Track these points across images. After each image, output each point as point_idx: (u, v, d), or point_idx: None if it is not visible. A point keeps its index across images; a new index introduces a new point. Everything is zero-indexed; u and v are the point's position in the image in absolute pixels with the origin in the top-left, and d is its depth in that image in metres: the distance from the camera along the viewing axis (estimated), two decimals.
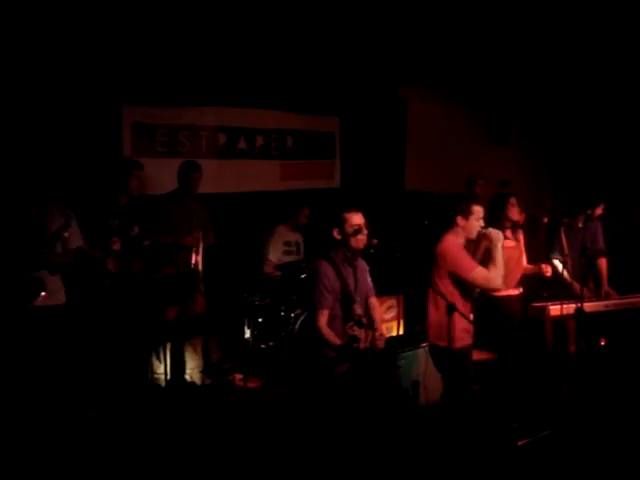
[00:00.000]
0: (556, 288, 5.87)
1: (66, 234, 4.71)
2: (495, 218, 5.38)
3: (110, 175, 5.45)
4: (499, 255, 4.48)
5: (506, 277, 5.23)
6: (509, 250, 5.41)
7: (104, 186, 5.47)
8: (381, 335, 4.53)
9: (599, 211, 6.21)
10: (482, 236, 4.59)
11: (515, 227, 5.66)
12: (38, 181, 4.82)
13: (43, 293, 4.57)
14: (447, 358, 4.54)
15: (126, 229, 5.35)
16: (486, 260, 4.60)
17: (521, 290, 5.70)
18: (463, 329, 4.50)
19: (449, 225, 4.62)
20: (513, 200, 5.59)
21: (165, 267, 5.65)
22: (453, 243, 4.56)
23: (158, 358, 5.75)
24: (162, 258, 5.59)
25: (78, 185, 5.70)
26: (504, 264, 4.56)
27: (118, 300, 5.22)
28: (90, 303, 5.16)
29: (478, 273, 4.44)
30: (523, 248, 5.75)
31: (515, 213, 5.57)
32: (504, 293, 5.36)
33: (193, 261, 5.75)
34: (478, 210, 4.58)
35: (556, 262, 5.98)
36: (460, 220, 4.57)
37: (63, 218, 4.75)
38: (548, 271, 5.69)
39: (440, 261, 4.52)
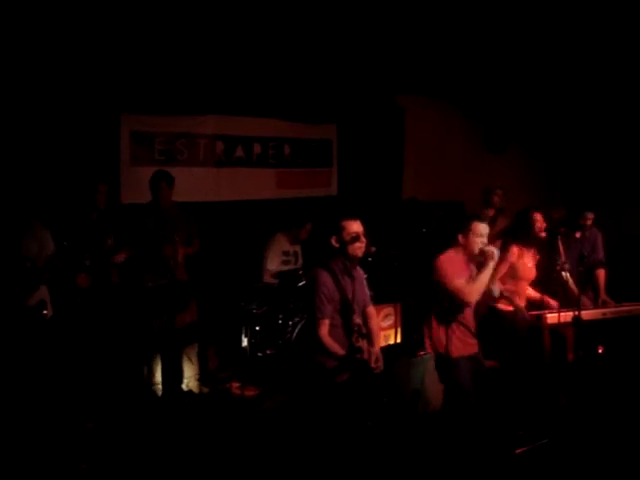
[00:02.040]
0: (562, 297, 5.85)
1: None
2: (524, 233, 5.53)
3: (78, 191, 5.46)
4: (484, 274, 4.56)
5: (518, 294, 5.53)
6: (527, 271, 5.55)
7: (76, 200, 5.47)
8: (377, 359, 4.49)
9: (587, 221, 6.22)
10: (480, 253, 4.64)
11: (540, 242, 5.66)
12: (29, 196, 4.85)
13: (45, 311, 4.61)
14: (443, 366, 4.68)
15: (99, 242, 5.35)
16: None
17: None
18: (459, 339, 4.60)
19: (452, 242, 4.72)
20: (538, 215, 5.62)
21: (145, 277, 5.63)
22: (447, 256, 4.68)
23: (151, 368, 5.74)
24: (141, 269, 5.58)
25: (72, 198, 5.70)
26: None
27: (93, 315, 5.22)
28: (76, 314, 5.17)
29: (454, 283, 4.54)
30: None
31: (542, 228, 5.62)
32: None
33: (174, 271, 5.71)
34: (478, 227, 4.64)
35: (564, 273, 5.95)
36: (461, 238, 4.67)
37: (46, 234, 4.80)
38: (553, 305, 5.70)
39: (433, 272, 4.65)
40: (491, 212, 7.24)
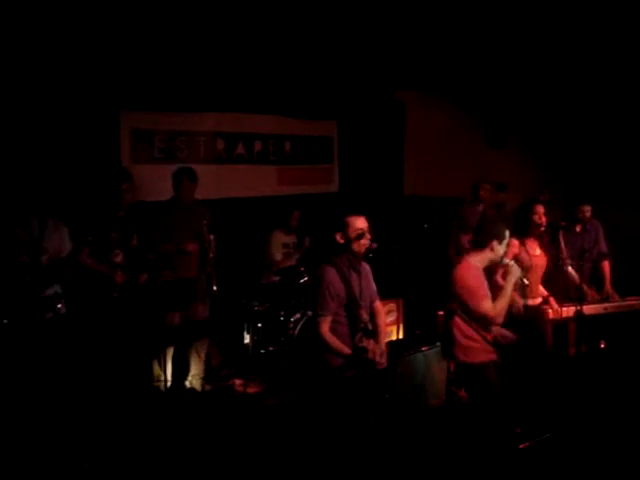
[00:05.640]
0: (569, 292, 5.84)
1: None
2: (524, 225, 5.53)
3: (104, 187, 5.46)
4: (508, 290, 4.46)
5: (532, 285, 5.40)
6: (536, 258, 5.50)
7: (100, 198, 5.47)
8: (382, 354, 4.48)
9: (585, 214, 6.21)
10: (504, 266, 4.59)
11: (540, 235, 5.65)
12: (37, 192, 4.84)
13: (59, 305, 4.62)
14: (465, 373, 4.54)
15: (126, 240, 5.40)
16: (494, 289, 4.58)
17: (541, 299, 5.68)
18: (479, 346, 4.48)
19: (478, 245, 4.55)
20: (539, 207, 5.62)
21: (164, 272, 5.65)
22: (468, 270, 4.48)
23: (160, 364, 5.74)
24: (161, 264, 5.60)
25: (77, 195, 5.71)
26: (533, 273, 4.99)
27: (125, 309, 5.25)
28: (94, 312, 5.19)
29: (482, 306, 4.40)
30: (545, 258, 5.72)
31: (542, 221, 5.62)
32: (529, 303, 5.46)
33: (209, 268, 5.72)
34: (508, 235, 4.57)
35: (570, 269, 5.94)
36: (495, 245, 4.49)
37: (57, 233, 4.81)
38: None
39: (453, 285, 4.48)
40: (480, 207, 7.27)
